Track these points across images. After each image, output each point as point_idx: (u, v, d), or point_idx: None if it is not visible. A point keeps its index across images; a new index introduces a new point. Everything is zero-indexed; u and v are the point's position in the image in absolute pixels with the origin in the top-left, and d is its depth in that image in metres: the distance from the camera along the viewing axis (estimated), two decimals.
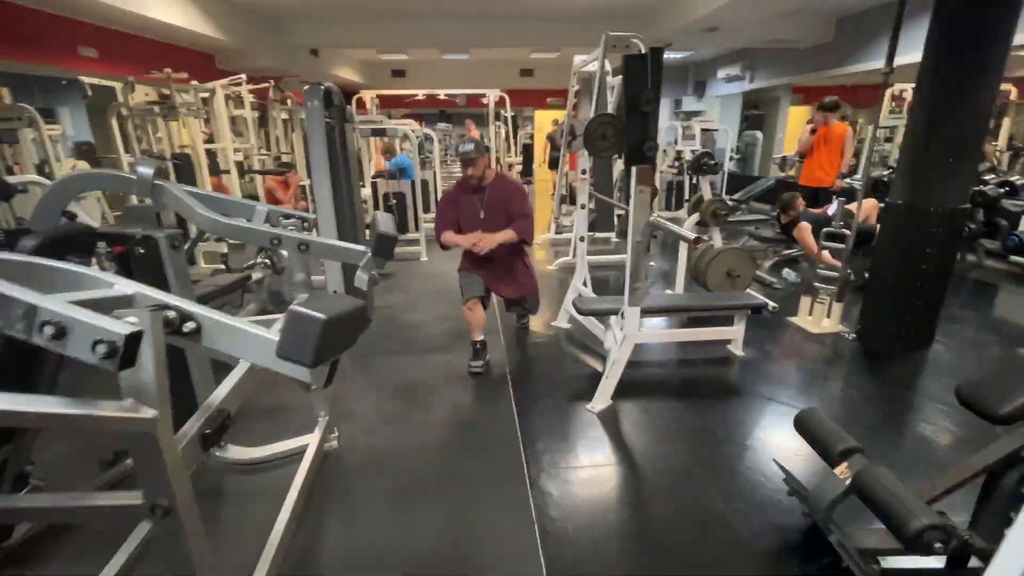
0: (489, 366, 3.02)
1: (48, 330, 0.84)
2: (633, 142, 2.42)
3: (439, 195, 6.86)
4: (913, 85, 2.99)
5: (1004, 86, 9.79)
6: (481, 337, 2.98)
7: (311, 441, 2.15)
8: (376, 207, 5.74)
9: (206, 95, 5.35)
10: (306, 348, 0.92)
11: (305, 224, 1.99)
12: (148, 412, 0.95)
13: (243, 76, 5.48)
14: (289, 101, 7.86)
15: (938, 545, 1.32)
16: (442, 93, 10.12)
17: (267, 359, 1.06)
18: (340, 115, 3.40)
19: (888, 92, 7.93)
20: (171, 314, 1.04)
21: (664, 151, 7.32)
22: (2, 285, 0.83)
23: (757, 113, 12.10)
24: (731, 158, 11.43)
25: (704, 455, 2.22)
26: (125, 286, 1.07)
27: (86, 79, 5.17)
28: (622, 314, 2.64)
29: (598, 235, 5.73)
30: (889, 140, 8.63)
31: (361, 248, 1.88)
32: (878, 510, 1.37)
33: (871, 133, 3.30)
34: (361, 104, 8.80)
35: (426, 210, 6.17)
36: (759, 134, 11.48)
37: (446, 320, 3.78)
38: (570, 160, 5.58)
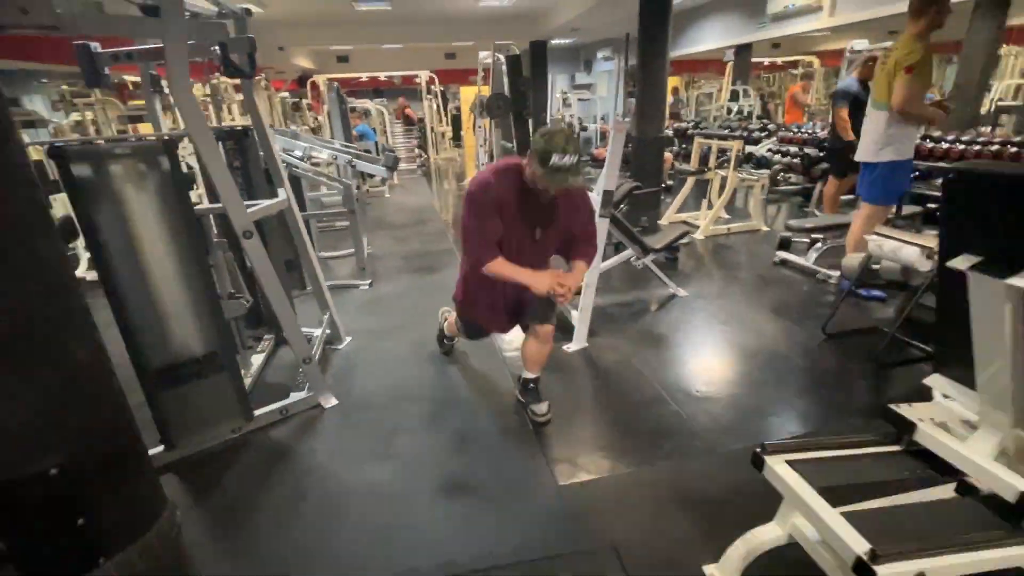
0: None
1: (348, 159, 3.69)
2: (515, 110, 5.30)
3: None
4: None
5: (808, 57, 13.54)
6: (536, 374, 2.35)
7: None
8: None
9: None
10: (391, 163, 3.80)
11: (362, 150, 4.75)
12: (351, 181, 3.79)
13: None
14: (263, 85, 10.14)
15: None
16: (383, 75, 12.55)
17: (377, 171, 3.93)
18: (342, 101, 6.11)
19: (728, 64, 11.30)
20: (349, 158, 3.87)
21: (551, 116, 10.30)
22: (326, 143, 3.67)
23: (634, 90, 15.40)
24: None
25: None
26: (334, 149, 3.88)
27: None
28: None
29: None
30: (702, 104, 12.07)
31: (380, 158, 4.69)
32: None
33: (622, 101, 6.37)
34: (315, 87, 11.15)
35: None
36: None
37: (407, 220, 6.62)
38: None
